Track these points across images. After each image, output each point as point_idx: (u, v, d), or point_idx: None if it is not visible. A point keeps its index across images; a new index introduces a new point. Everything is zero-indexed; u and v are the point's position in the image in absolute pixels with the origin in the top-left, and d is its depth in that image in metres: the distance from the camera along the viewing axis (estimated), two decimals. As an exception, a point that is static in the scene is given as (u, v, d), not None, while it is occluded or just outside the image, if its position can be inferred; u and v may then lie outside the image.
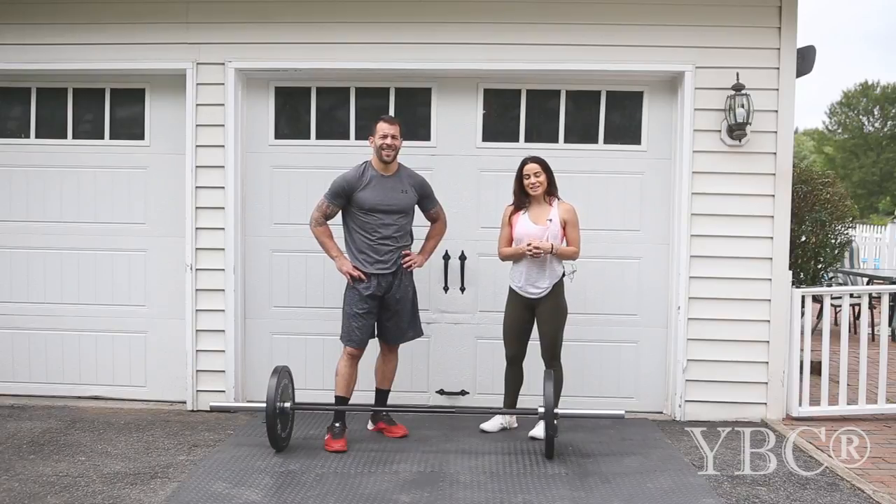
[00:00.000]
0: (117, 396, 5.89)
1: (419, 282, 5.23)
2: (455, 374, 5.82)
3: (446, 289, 5.77)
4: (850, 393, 5.62)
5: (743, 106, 5.34)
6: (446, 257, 5.70)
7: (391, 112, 5.75)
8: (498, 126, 5.81)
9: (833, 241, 6.93)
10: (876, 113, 44.59)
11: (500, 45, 5.54)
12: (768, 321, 5.53)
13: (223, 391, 5.70)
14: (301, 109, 5.86)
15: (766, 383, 5.55)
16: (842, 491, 4.21)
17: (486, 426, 5.23)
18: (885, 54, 73.40)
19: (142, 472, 4.37)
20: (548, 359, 5.02)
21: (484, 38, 5.53)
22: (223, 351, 5.71)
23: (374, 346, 5.09)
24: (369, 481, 4.28)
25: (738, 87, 5.38)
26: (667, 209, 5.72)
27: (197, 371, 5.73)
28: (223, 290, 5.68)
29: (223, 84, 5.63)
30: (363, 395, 5.25)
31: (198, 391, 5.73)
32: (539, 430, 4.92)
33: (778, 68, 5.49)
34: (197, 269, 5.70)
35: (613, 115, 5.78)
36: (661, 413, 5.76)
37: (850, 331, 6.11)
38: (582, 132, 5.79)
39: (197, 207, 5.68)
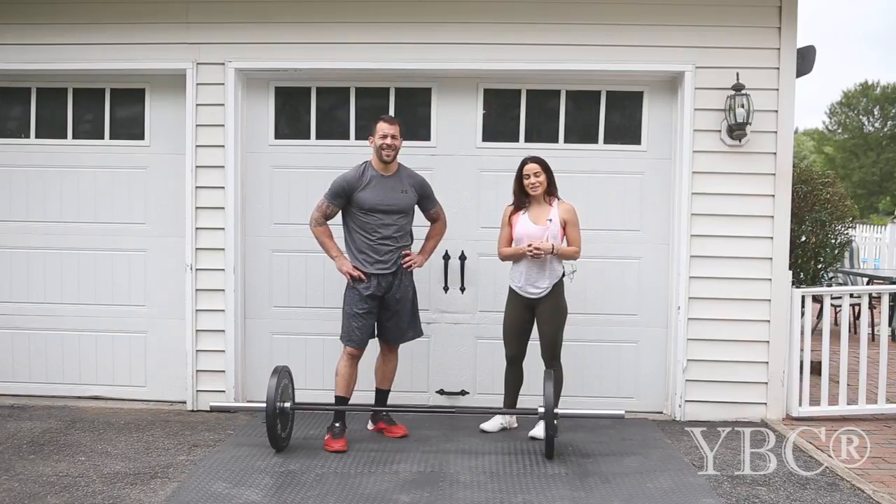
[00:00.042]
0: (117, 396, 5.89)
1: (419, 282, 5.23)
2: (455, 374, 5.82)
3: (446, 289, 5.77)
4: (850, 393, 5.62)
5: (743, 106, 5.34)
6: (446, 257, 5.70)
7: (391, 112, 5.75)
8: (498, 126, 5.81)
9: (833, 241, 6.93)
10: (876, 113, 44.60)
11: (500, 45, 5.54)
12: (768, 321, 5.53)
13: (223, 391, 5.70)
14: (301, 109, 5.86)
15: (766, 383, 5.55)
16: (842, 491, 4.21)
17: (486, 426, 5.23)
18: (885, 54, 73.45)
19: (142, 472, 4.37)
20: (548, 359, 5.02)
21: (484, 38, 5.53)
22: (223, 351, 5.71)
23: (374, 346, 5.09)
24: (369, 481, 4.28)
25: (738, 87, 5.38)
26: (667, 209, 5.72)
27: (197, 371, 5.73)
28: (223, 290, 5.68)
29: (223, 84, 5.63)
30: (363, 395, 5.25)
31: (198, 391, 5.73)
32: (539, 430, 4.92)
33: (778, 68, 5.49)
34: (197, 269, 5.70)
35: (613, 115, 5.78)
36: (661, 413, 5.76)
37: (850, 331, 6.11)
38: (582, 132, 5.79)
39: (197, 207, 5.68)
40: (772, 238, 5.53)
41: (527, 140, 5.77)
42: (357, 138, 5.74)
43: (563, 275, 5.03)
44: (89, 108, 5.92)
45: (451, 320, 5.79)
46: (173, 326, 5.82)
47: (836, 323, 7.41)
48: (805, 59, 5.73)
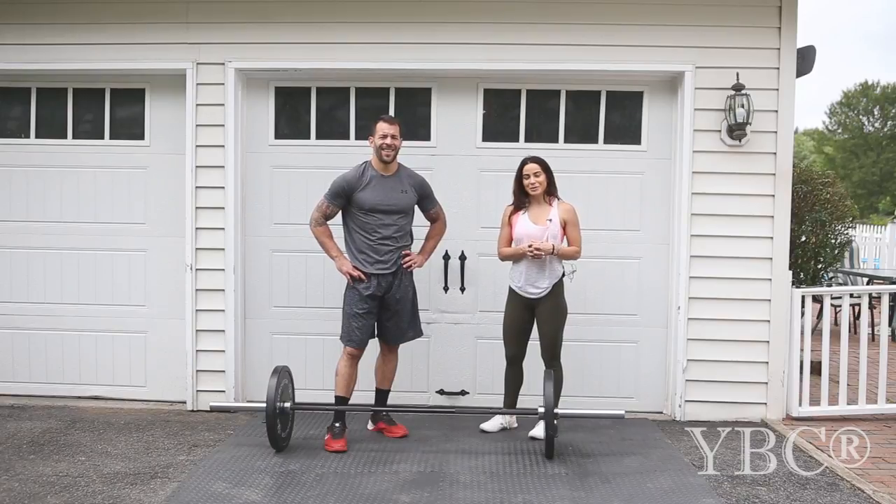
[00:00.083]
0: (117, 396, 5.89)
1: (419, 282, 5.23)
2: (455, 374, 5.82)
3: (446, 289, 5.77)
4: (850, 393, 5.62)
5: (743, 106, 5.34)
6: (446, 257, 5.70)
7: (391, 112, 5.75)
8: (498, 126, 5.81)
9: (833, 241, 6.93)
10: (876, 113, 44.61)
11: (500, 45, 5.54)
12: (768, 321, 5.53)
13: (223, 391, 5.70)
14: (301, 109, 5.86)
15: (766, 383, 5.55)
16: (842, 491, 4.21)
17: (486, 426, 5.23)
18: (885, 54, 73.47)
19: (142, 472, 4.37)
20: (548, 359, 5.02)
21: (484, 38, 5.53)
22: (223, 351, 5.71)
23: (374, 346, 5.09)
24: (369, 481, 4.28)
25: (738, 87, 5.38)
26: (667, 209, 5.72)
27: (197, 371, 5.73)
28: (223, 290, 5.68)
29: (223, 84, 5.63)
30: (363, 395, 5.25)
31: (198, 391, 5.73)
32: (539, 430, 4.92)
33: (778, 68, 5.49)
34: (197, 269, 5.70)
35: (613, 115, 5.78)
36: (661, 413, 5.76)
37: (850, 331, 6.11)
38: (582, 132, 5.79)
39: (197, 207, 5.68)
40: (772, 238, 5.53)
41: (527, 140, 5.77)
42: (357, 138, 5.74)
43: (563, 275, 5.03)
44: (89, 108, 5.92)
45: (451, 320, 5.79)
46: (173, 326, 5.82)
47: (836, 323, 7.41)
48: (805, 59, 5.73)
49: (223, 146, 5.64)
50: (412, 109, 5.81)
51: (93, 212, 5.90)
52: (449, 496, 4.08)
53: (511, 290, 5.09)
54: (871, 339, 6.77)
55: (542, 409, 4.58)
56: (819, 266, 6.90)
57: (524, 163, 5.00)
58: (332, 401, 4.99)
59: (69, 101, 5.90)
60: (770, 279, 5.53)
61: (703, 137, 5.53)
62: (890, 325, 8.57)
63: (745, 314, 5.54)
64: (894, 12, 73.15)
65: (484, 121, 5.79)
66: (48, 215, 5.91)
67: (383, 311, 4.99)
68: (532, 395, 5.30)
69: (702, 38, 5.51)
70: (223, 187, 5.66)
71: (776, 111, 5.49)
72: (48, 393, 5.89)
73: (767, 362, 5.54)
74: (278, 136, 5.84)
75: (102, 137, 5.90)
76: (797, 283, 6.38)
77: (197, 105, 5.65)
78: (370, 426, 5.24)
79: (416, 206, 5.07)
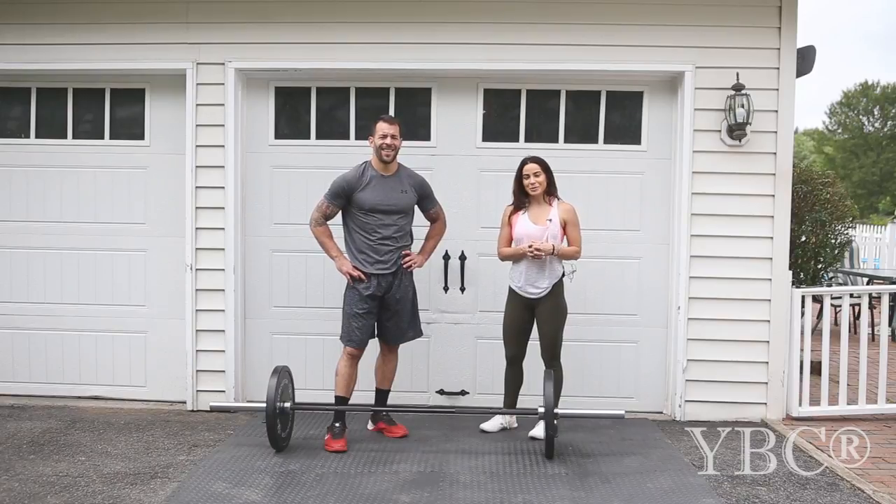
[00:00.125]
0: (117, 396, 5.89)
1: (419, 282, 5.23)
2: (455, 374, 5.82)
3: (446, 289, 5.77)
4: (850, 393, 5.62)
5: (743, 106, 5.34)
6: (446, 257, 5.70)
7: (391, 112, 5.75)
8: (498, 126, 5.81)
9: (833, 241, 6.93)
10: (876, 113, 44.61)
11: (500, 45, 5.54)
12: (768, 321, 5.53)
13: (223, 391, 5.70)
14: (301, 109, 5.86)
15: (766, 383, 5.55)
16: (842, 491, 4.21)
17: (486, 426, 5.23)
18: (885, 54, 73.48)
19: (142, 472, 4.37)
20: (548, 359, 5.02)
21: (484, 38, 5.53)
22: (223, 351, 5.71)
23: (374, 346, 5.09)
24: (369, 481, 4.28)
25: (738, 87, 5.38)
26: (667, 209, 5.72)
27: (197, 371, 5.73)
28: (223, 290, 5.69)
29: (223, 84, 5.63)
30: (363, 395, 5.25)
31: (198, 391, 5.73)
32: (539, 430, 4.92)
33: (778, 68, 5.49)
34: (197, 269, 5.70)
35: (613, 115, 5.78)
36: (661, 413, 5.76)
37: (850, 331, 6.11)
38: (582, 132, 5.79)
39: (197, 207, 5.68)
40: (772, 238, 5.53)
41: (527, 140, 5.77)
42: (357, 138, 5.74)
43: (563, 275, 5.03)
44: (89, 108, 5.92)
45: (451, 320, 5.79)
46: (173, 326, 5.82)
47: (836, 323, 7.41)
48: (805, 59, 5.73)
49: (223, 146, 5.64)
50: (412, 109, 5.81)
51: (93, 212, 5.90)
52: (449, 496, 4.08)
53: (511, 290, 5.09)
54: (871, 339, 6.77)
55: (542, 409, 4.58)
56: (819, 266, 6.90)
57: (524, 163, 5.00)
58: (332, 401, 4.99)
59: (69, 101, 5.90)
60: (770, 279, 5.53)
61: (703, 137, 5.53)
62: (890, 325, 8.57)
63: (745, 314, 5.54)
64: (894, 12, 73.22)
65: (484, 121, 5.79)
66: (48, 215, 5.91)
67: (383, 311, 4.99)
68: (532, 395, 5.30)
69: (702, 38, 5.51)
70: (223, 187, 5.66)
71: (776, 111, 5.49)
72: (48, 393, 5.89)
73: (767, 362, 5.54)
74: (278, 136, 5.84)
75: (102, 137, 5.90)
76: (797, 283, 6.38)
77: (197, 105, 5.65)
78: (370, 426, 5.24)
79: (416, 207, 5.07)
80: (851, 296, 7.08)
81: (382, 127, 4.85)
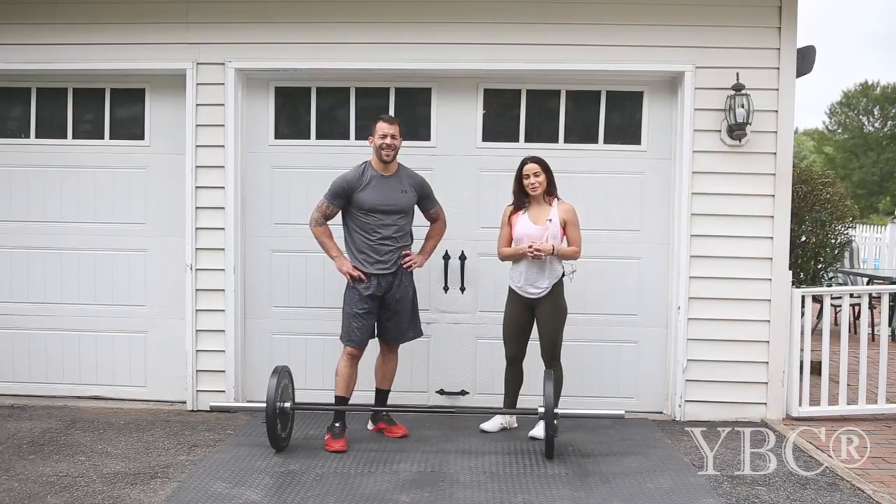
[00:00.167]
0: (117, 396, 5.89)
1: (419, 282, 5.23)
2: (455, 374, 5.82)
3: (446, 289, 5.77)
4: (850, 393, 5.62)
5: (743, 106, 5.34)
6: (446, 257, 5.70)
7: (391, 112, 5.75)
8: (498, 126, 5.81)
9: (833, 241, 6.93)
10: (876, 113, 44.61)
11: (500, 45, 5.54)
12: (768, 321, 5.53)
13: (223, 391, 5.70)
14: (301, 109, 5.86)
15: (766, 383, 5.55)
16: (842, 491, 4.21)
17: (486, 426, 5.23)
18: (885, 54, 73.49)
19: (142, 472, 4.37)
20: (548, 359, 5.02)
21: (484, 38, 5.53)
22: (223, 351, 5.71)
23: (374, 346, 5.09)
24: (369, 481, 4.28)
25: (738, 87, 5.38)
26: (667, 209, 5.72)
27: (197, 371, 5.73)
28: (223, 290, 5.69)
29: (223, 84, 5.63)
30: (363, 395, 5.25)
31: (198, 391, 5.73)
32: (539, 430, 4.92)
33: (778, 68, 5.49)
34: (197, 269, 5.70)
35: (613, 115, 5.78)
36: (661, 413, 5.76)
37: (850, 331, 6.11)
38: (582, 132, 5.79)
39: (197, 207, 5.68)
40: (772, 238, 5.53)
41: (527, 140, 5.77)
42: (357, 138, 5.74)
43: (563, 275, 5.03)
44: (89, 108, 5.92)
45: (451, 320, 5.79)
46: (173, 326, 5.82)
47: (836, 323, 7.41)
48: (805, 59, 5.73)
49: (223, 146, 5.64)
50: (412, 109, 5.81)
51: (93, 212, 5.90)
52: (449, 496, 4.08)
53: (511, 290, 5.09)
54: (871, 339, 6.77)
55: (542, 409, 4.58)
56: (819, 266, 6.90)
57: (524, 163, 5.00)
58: (332, 401, 4.99)
59: (69, 101, 5.90)
60: (770, 279, 5.53)
61: (703, 137, 5.53)
62: (890, 325, 8.57)
63: (745, 314, 5.54)
64: (894, 12, 73.23)
65: (484, 121, 5.79)
66: (48, 215, 5.91)
67: (383, 311, 4.99)
68: (532, 395, 5.30)
69: (702, 38, 5.51)
70: (223, 187, 5.66)
71: (776, 111, 5.49)
72: (48, 393, 5.89)
73: (767, 362, 5.54)
74: (278, 136, 5.84)
75: (102, 137, 5.90)
76: (797, 283, 6.38)
77: (197, 105, 5.65)
78: (370, 426, 5.24)
79: (416, 207, 5.07)
80: (851, 296, 7.08)
81: (382, 127, 4.85)
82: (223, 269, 5.68)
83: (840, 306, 5.91)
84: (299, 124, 5.86)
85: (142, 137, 5.88)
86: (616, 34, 5.51)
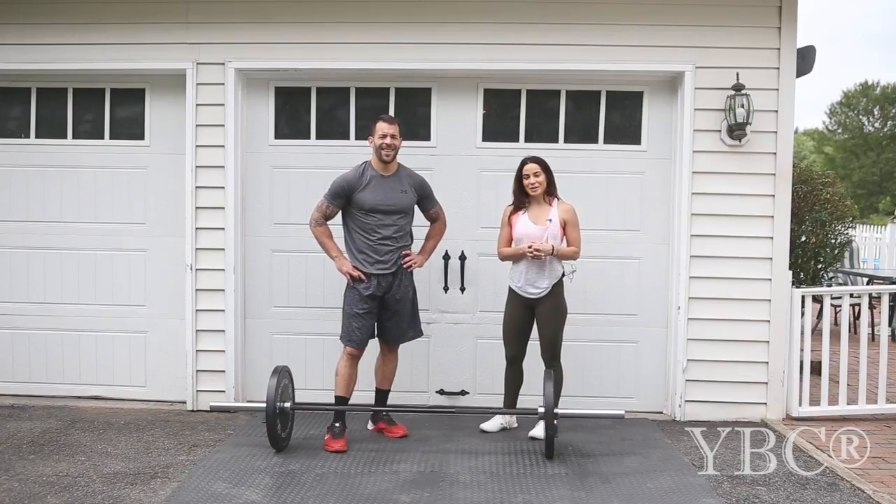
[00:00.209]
0: (117, 396, 5.89)
1: (419, 282, 5.23)
2: (455, 374, 5.82)
3: (446, 289, 5.77)
4: (850, 393, 5.62)
5: (743, 106, 5.34)
6: (446, 257, 5.70)
7: (391, 112, 5.75)
8: (498, 126, 5.81)
9: (833, 241, 6.93)
10: (876, 113, 44.62)
11: (500, 45, 5.54)
12: (768, 321, 5.53)
13: (223, 391, 5.70)
14: (301, 109, 5.86)
15: (766, 383, 5.55)
16: (842, 491, 4.21)
17: (486, 426, 5.23)
18: (885, 54, 73.49)
19: (142, 472, 4.37)
20: (548, 359, 5.02)
21: (484, 38, 5.53)
22: (223, 351, 5.71)
23: (374, 346, 5.09)
24: (369, 481, 4.28)
25: (738, 87, 5.38)
26: (667, 209, 5.72)
27: (197, 371, 5.73)
28: (223, 290, 5.69)
29: (223, 84, 5.63)
30: (363, 395, 5.25)
31: (198, 391, 5.73)
32: (539, 430, 4.92)
33: (778, 68, 5.49)
34: (197, 269, 5.70)
35: (613, 115, 5.78)
36: (661, 413, 5.76)
37: (850, 331, 6.11)
38: (582, 132, 5.79)
39: (197, 207, 5.68)
40: (772, 238, 5.53)
41: (527, 140, 5.77)
42: (357, 138, 5.74)
43: (563, 275, 5.03)
44: (89, 108, 5.92)
45: (451, 320, 5.79)
46: (173, 326, 5.82)
47: (836, 323, 7.41)
48: (805, 59, 5.73)
49: (223, 146, 5.64)
50: (412, 109, 5.81)
51: (93, 212, 5.90)
52: (449, 496, 4.08)
53: (511, 290, 5.09)
54: (871, 339, 6.77)
55: (542, 409, 4.58)
56: (819, 266, 6.90)
57: (524, 163, 5.00)
58: (332, 401, 4.99)
59: (69, 101, 5.90)
60: (770, 279, 5.53)
61: (703, 137, 5.53)
62: (890, 325, 8.57)
63: (745, 314, 5.54)
64: (894, 12, 73.23)
65: (484, 121, 5.79)
66: (48, 215, 5.91)
67: (383, 311, 4.99)
68: (532, 395, 5.30)
69: (702, 38, 5.51)
70: (223, 187, 5.66)
71: (776, 111, 5.49)
72: (48, 393, 5.89)
73: (767, 362, 5.54)
74: (278, 136, 5.84)
75: (102, 137, 5.90)
76: (797, 283, 6.38)
77: (197, 105, 5.65)
78: (370, 426, 5.24)
79: (416, 206, 5.07)
80: (851, 296, 7.08)
81: (382, 127, 4.85)
82: (223, 269, 5.68)
83: (840, 306, 5.91)
84: (299, 124, 5.86)
85: (142, 137, 5.88)
86: (616, 34, 5.52)
